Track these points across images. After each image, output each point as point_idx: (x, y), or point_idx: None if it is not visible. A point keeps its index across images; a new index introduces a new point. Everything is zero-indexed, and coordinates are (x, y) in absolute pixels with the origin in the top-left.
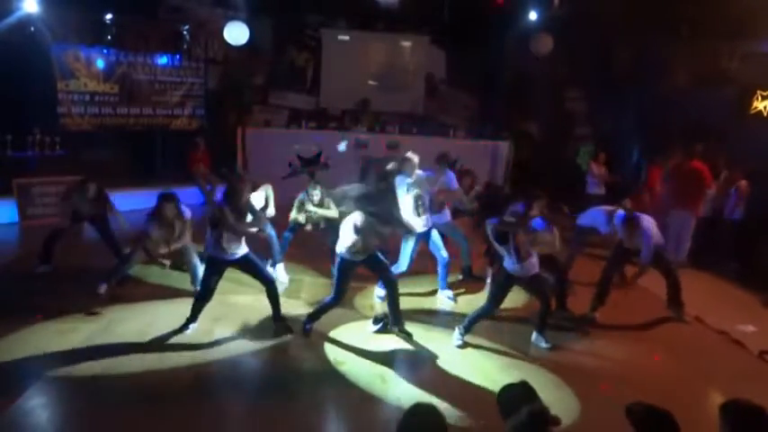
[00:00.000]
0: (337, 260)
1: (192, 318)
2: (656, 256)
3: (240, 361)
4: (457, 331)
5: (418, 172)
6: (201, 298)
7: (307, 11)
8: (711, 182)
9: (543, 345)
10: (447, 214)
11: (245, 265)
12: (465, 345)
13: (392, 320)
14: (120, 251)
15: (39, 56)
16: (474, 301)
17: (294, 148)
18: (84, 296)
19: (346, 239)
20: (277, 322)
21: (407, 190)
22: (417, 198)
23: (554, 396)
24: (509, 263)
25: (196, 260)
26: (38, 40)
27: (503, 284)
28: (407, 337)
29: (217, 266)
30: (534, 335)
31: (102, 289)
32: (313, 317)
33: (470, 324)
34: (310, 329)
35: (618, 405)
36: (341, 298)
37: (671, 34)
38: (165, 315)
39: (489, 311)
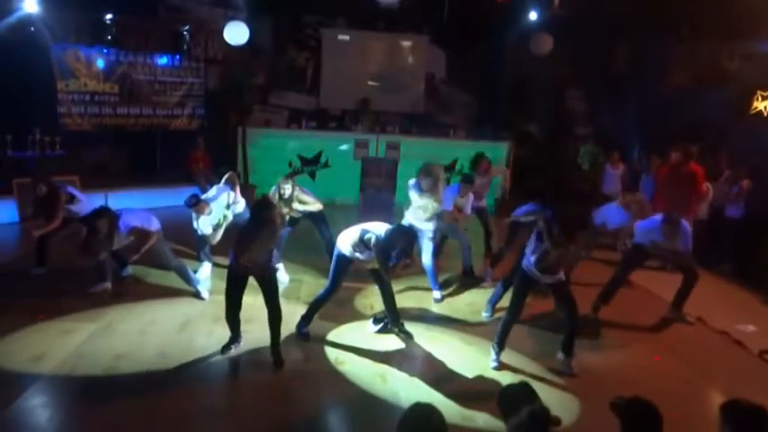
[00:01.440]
0: (335, 254)
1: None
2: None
3: (240, 361)
4: (492, 352)
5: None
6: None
7: (307, 11)
8: (705, 184)
9: (566, 370)
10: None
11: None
12: (503, 368)
13: (391, 320)
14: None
15: (39, 56)
16: (474, 302)
17: None
18: (85, 296)
19: (349, 241)
20: (274, 348)
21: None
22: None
23: (554, 396)
24: (527, 261)
25: (177, 262)
26: (38, 40)
27: (519, 287)
28: (407, 336)
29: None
30: (559, 354)
31: (97, 289)
32: (307, 317)
33: (502, 339)
34: (307, 333)
35: None
36: (335, 290)
37: (671, 34)
38: (166, 314)
39: (511, 318)
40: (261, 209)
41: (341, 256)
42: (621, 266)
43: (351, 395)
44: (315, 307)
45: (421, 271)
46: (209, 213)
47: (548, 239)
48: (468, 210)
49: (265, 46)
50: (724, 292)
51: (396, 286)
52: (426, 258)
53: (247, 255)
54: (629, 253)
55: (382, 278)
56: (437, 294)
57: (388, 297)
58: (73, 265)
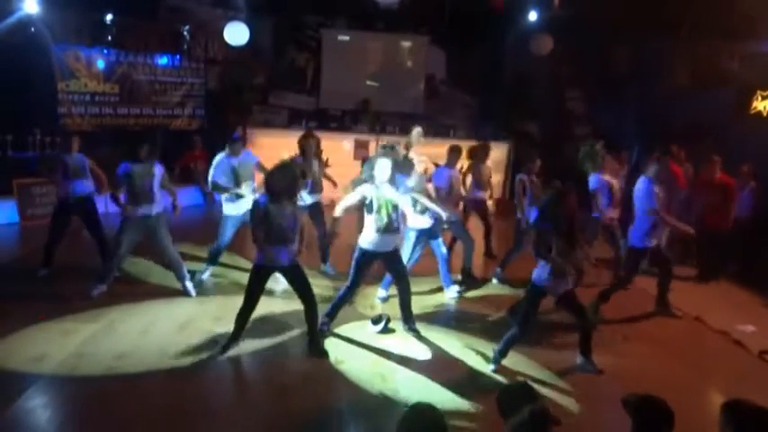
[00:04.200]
0: (357, 252)
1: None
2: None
3: (240, 361)
4: (492, 356)
5: (416, 173)
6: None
7: (307, 11)
8: (684, 184)
9: (590, 369)
10: (456, 212)
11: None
12: (502, 369)
13: (403, 317)
14: (106, 249)
15: (39, 56)
16: (475, 302)
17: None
18: (85, 296)
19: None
20: (312, 344)
21: (403, 191)
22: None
23: (554, 396)
24: (538, 274)
25: (176, 255)
26: (38, 41)
27: (532, 301)
28: (417, 335)
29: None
30: (579, 358)
31: (96, 291)
32: (331, 315)
33: (506, 350)
34: (327, 329)
35: (618, 405)
36: (356, 289)
37: (671, 34)
38: (166, 314)
39: (520, 334)
40: (283, 172)
41: (363, 253)
42: (628, 265)
43: (351, 395)
44: (336, 307)
45: (419, 272)
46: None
47: (555, 239)
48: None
49: (265, 46)
50: (724, 292)
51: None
52: (440, 251)
53: (278, 236)
54: (627, 256)
55: (402, 276)
56: (455, 290)
57: (405, 295)
58: (74, 265)
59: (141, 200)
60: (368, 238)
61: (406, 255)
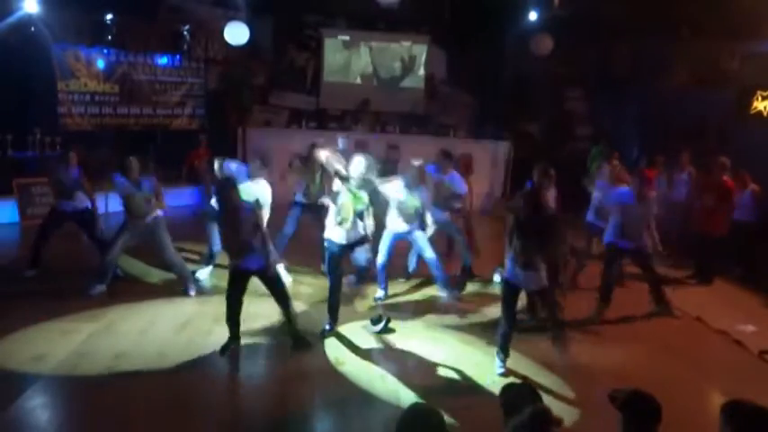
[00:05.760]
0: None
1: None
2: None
3: (240, 361)
4: (497, 358)
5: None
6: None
7: (307, 11)
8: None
9: (560, 355)
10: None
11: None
12: (509, 372)
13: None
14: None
15: (39, 56)
16: (475, 301)
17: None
18: (84, 296)
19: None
20: (295, 339)
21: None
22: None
23: (554, 396)
24: (508, 273)
25: (179, 257)
26: (38, 41)
27: (506, 298)
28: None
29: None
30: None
31: (95, 291)
32: (332, 315)
33: (505, 348)
34: (332, 329)
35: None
36: (339, 282)
37: (671, 34)
38: (166, 314)
39: (509, 329)
40: (221, 191)
41: (329, 244)
42: (605, 267)
43: (351, 395)
44: (334, 305)
45: (420, 272)
46: None
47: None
48: (461, 188)
49: (265, 46)
50: (724, 292)
51: (398, 287)
52: (429, 253)
53: (239, 242)
54: (605, 254)
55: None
56: (455, 293)
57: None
58: (73, 264)
59: (134, 212)
60: (337, 233)
61: (381, 254)
